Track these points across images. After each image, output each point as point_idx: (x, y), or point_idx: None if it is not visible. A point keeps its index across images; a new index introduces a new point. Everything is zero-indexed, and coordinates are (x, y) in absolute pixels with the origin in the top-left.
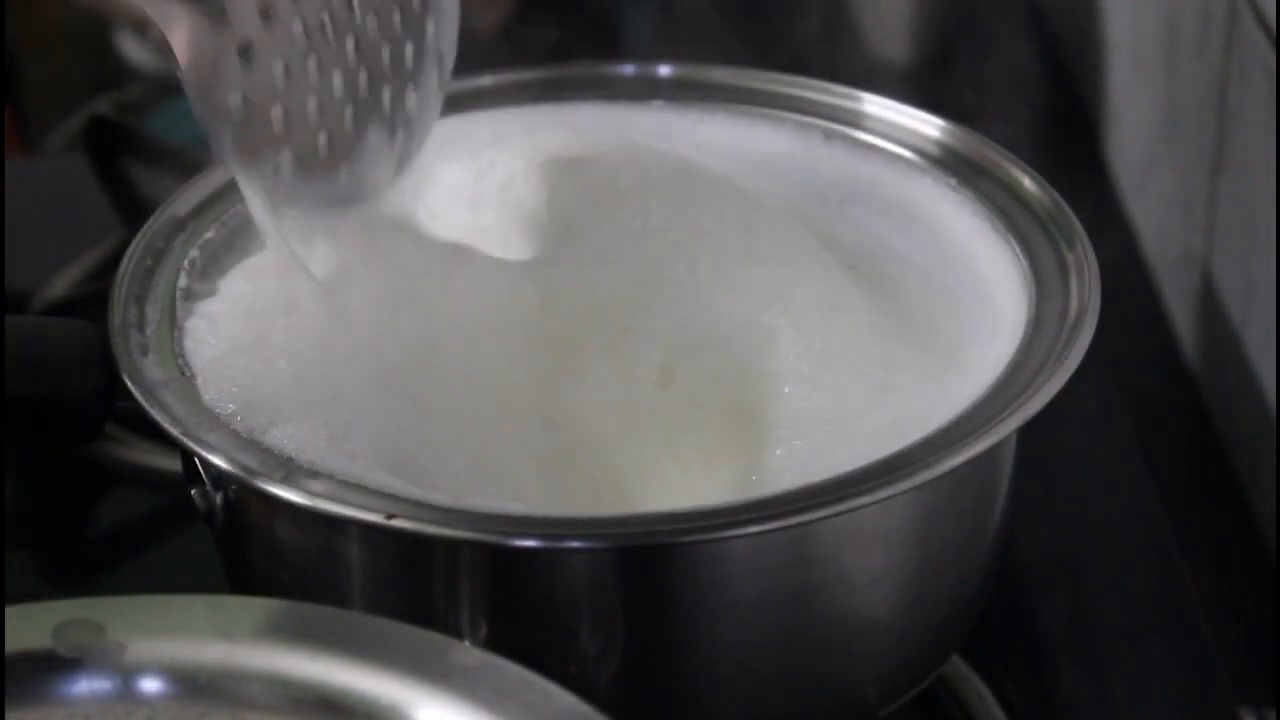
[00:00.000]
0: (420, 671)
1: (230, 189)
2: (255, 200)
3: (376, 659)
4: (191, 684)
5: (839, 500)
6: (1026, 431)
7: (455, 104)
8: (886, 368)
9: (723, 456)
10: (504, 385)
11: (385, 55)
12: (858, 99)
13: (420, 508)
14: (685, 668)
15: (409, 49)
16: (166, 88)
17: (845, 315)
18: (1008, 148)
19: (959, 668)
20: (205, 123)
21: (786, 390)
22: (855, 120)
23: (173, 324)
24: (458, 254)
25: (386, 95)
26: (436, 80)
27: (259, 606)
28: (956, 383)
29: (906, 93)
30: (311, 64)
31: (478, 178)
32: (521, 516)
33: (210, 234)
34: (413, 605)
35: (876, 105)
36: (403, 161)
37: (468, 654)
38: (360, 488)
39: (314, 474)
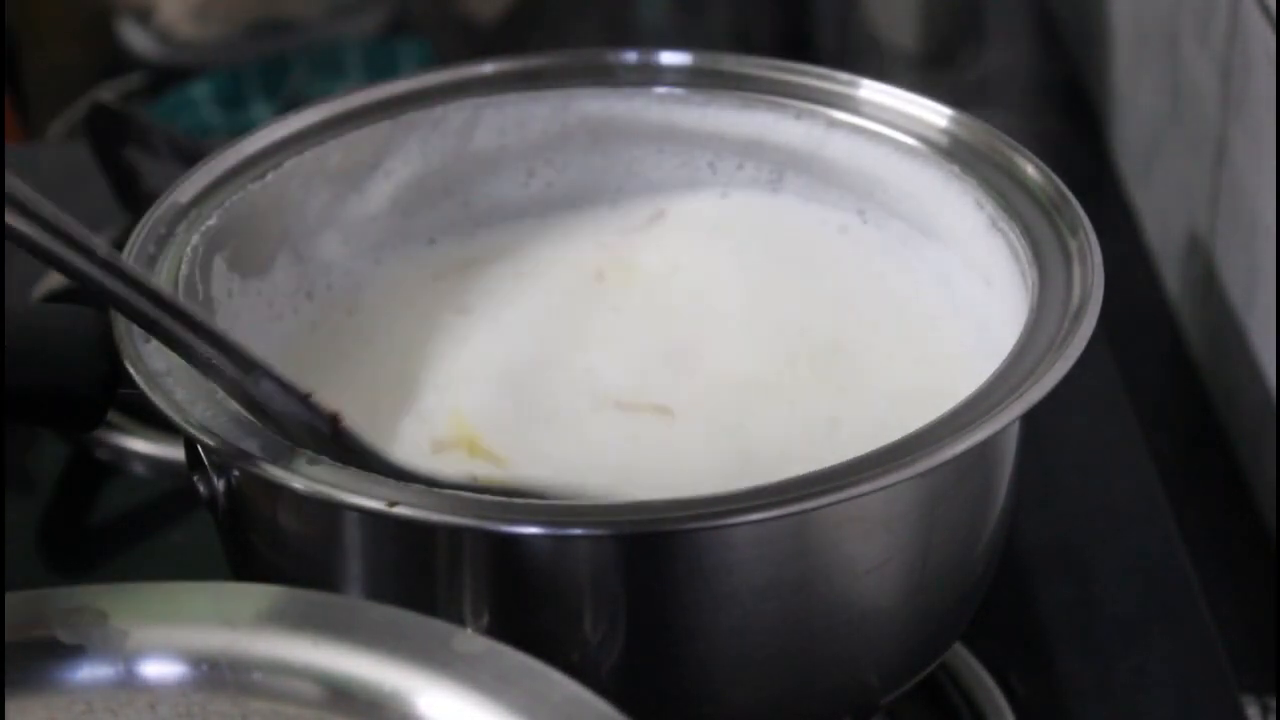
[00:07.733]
0: (423, 658)
1: (232, 176)
2: None
3: (379, 646)
4: (194, 671)
5: (841, 487)
6: (1029, 419)
7: (454, 93)
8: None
9: None
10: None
11: None
12: (858, 86)
13: (422, 494)
14: (687, 655)
15: None
16: (168, 76)
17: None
18: (1011, 135)
19: (961, 655)
20: None
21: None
22: (858, 107)
23: None
24: None
25: None
26: None
27: (261, 593)
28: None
29: (910, 80)
30: None
31: None
32: (524, 504)
33: (212, 221)
34: (415, 592)
35: (878, 92)
36: None
37: (470, 641)
38: (363, 474)
39: (317, 460)
